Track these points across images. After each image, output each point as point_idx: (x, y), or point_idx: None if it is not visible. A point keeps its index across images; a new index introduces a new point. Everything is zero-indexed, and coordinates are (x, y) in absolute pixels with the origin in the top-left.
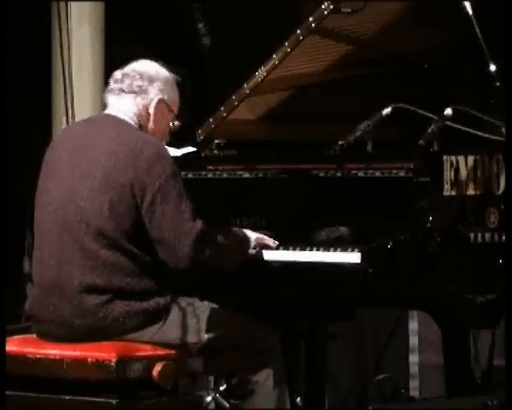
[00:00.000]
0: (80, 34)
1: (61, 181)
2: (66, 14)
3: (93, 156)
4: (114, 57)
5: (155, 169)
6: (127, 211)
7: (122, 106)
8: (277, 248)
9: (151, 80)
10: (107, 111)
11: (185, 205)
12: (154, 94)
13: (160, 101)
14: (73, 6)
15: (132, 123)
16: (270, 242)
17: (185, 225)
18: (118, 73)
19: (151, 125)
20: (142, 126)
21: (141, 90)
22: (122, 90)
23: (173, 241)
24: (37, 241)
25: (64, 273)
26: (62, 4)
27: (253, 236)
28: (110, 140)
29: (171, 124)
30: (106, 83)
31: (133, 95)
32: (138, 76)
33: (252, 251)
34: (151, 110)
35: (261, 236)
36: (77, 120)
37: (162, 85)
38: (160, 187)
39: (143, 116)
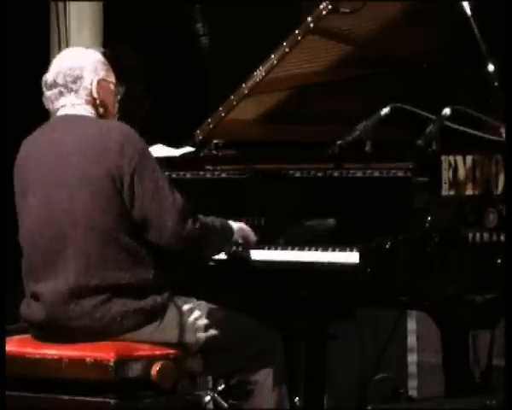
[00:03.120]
0: (79, 34)
1: (38, 194)
2: (65, 15)
3: (62, 160)
4: (113, 57)
5: (126, 149)
6: (111, 196)
7: (71, 104)
8: (276, 248)
9: (81, 67)
10: (60, 113)
11: (162, 180)
12: (90, 78)
13: (98, 81)
14: (72, 6)
15: (88, 114)
16: (252, 234)
17: (166, 201)
18: (49, 78)
19: (102, 106)
20: (97, 112)
21: (77, 83)
22: (61, 93)
23: (156, 218)
24: (27, 256)
25: (58, 280)
26: (61, 4)
27: (234, 225)
28: (74, 137)
29: (117, 95)
30: None
31: (73, 92)
32: (68, 70)
33: (235, 237)
34: (95, 94)
35: (244, 227)
36: None
37: (92, 66)
38: (135, 166)
39: (92, 103)
